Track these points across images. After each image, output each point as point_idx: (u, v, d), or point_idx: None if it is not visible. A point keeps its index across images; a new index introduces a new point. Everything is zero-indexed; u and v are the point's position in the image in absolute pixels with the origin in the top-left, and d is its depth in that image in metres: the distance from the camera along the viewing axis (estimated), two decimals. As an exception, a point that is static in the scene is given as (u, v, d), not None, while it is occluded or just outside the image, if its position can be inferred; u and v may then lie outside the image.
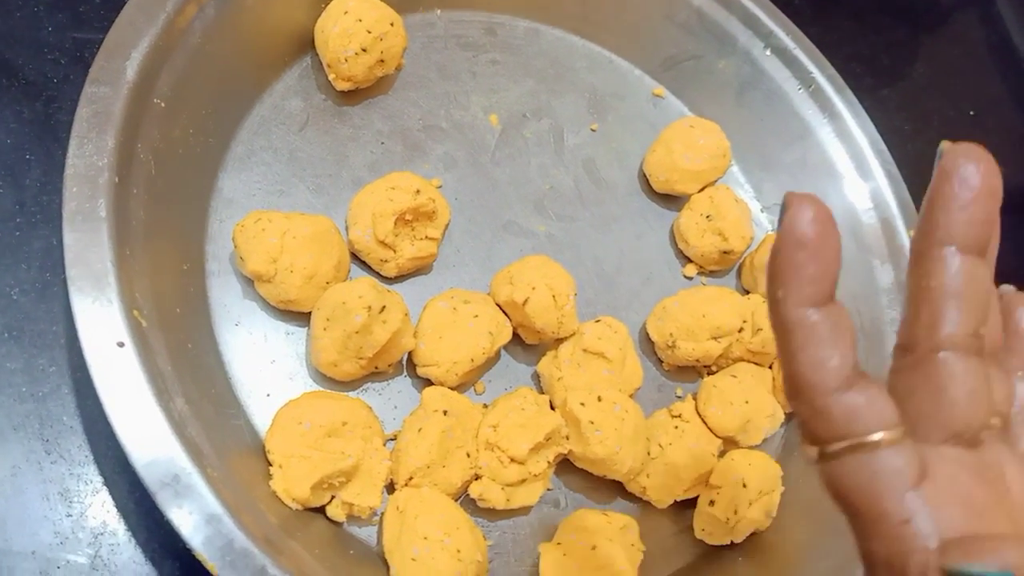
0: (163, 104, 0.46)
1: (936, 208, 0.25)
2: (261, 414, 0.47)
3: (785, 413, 0.57)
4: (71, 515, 0.44)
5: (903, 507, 0.25)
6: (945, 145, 0.25)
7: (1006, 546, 0.23)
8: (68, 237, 0.40)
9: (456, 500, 0.48)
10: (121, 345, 0.39)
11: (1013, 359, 0.30)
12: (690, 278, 0.62)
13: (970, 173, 0.25)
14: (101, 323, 0.39)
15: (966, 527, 0.24)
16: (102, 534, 0.43)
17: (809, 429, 0.26)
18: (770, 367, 0.58)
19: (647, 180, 0.63)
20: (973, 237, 0.25)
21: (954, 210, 0.25)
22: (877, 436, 0.25)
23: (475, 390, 0.53)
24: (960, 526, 0.24)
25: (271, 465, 0.44)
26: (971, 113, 0.82)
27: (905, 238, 0.61)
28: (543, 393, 0.53)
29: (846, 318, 0.26)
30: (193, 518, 0.38)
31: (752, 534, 0.53)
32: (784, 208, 0.25)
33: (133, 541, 0.44)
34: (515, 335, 0.54)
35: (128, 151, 0.43)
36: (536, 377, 0.55)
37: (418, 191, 0.51)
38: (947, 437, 0.26)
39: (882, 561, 0.25)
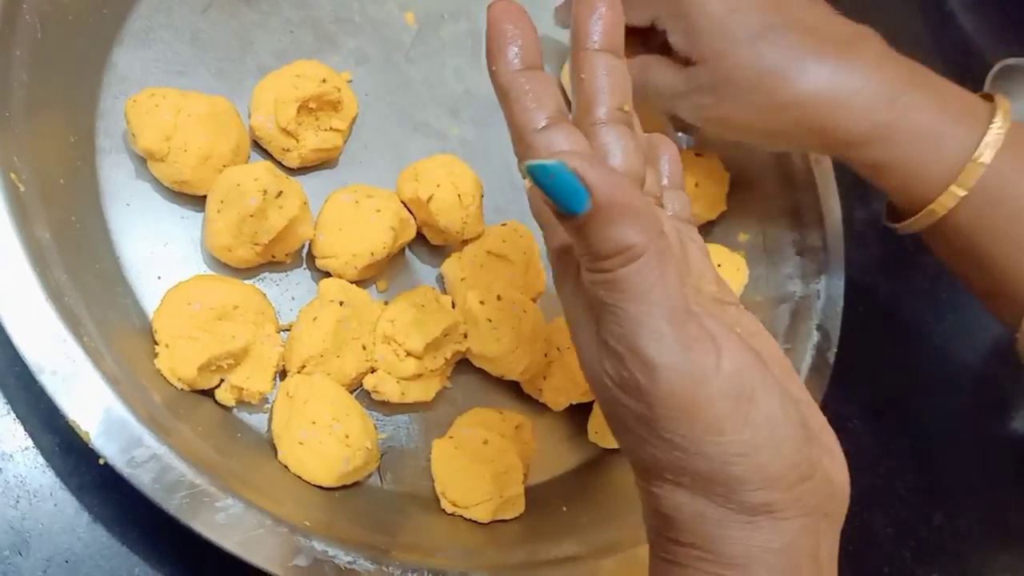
0: (51, -34, 0.44)
1: (579, 24, 0.33)
2: (150, 296, 0.46)
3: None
4: (-54, 389, 0.42)
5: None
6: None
7: (568, 153, 0.29)
8: (-59, 93, 0.39)
9: (351, 392, 0.48)
10: (-5, 207, 0.38)
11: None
12: (602, 192, 0.62)
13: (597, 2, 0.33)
14: (-27, 182, 0.38)
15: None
16: (-22, 407, 0.42)
17: (521, 159, 0.32)
18: (673, 280, 0.58)
19: (564, 92, 0.63)
20: (607, 40, 0.33)
21: (591, 22, 0.33)
22: None
23: (377, 288, 0.53)
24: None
25: (157, 345, 0.43)
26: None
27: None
28: (445, 294, 0.53)
29: (549, 80, 0.32)
30: (68, 385, 0.37)
31: (644, 438, 0.54)
32: (488, 15, 0.33)
33: (12, 414, 0.43)
34: (420, 236, 0.54)
35: (11, 10, 0.41)
36: (440, 278, 0.54)
37: (324, 80, 0.50)
38: None
39: None
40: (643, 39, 0.52)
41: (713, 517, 0.30)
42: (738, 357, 0.29)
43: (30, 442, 0.42)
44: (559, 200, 0.27)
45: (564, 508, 0.51)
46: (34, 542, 0.41)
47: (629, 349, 0.29)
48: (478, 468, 0.48)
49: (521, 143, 0.32)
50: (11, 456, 0.42)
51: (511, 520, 0.49)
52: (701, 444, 0.29)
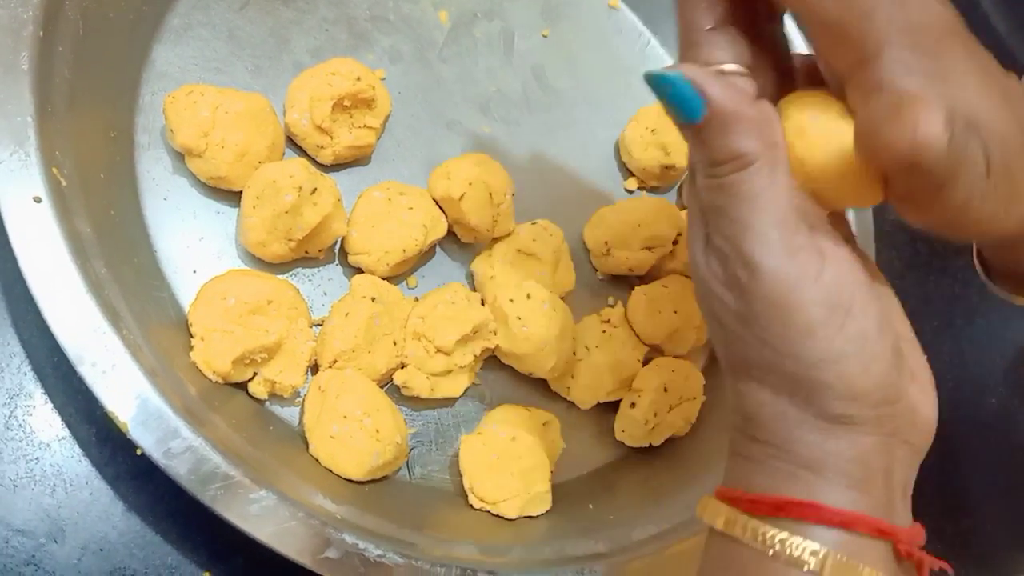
0: (94, -37, 0.45)
1: None
2: (186, 289, 0.46)
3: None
4: (-15, 376, 0.43)
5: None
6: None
7: (687, 66, 0.30)
8: (-12, 88, 0.39)
9: (381, 387, 0.49)
10: (38, 200, 0.38)
11: None
12: (631, 192, 0.62)
13: None
14: (18, 176, 0.38)
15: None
16: (18, 395, 0.43)
17: (684, 59, 0.33)
18: (702, 281, 0.58)
19: (594, 90, 0.63)
20: None
21: None
22: (730, 67, 0.32)
23: (407, 284, 0.53)
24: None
25: (192, 337, 0.44)
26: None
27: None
28: (475, 291, 0.53)
29: None
30: (106, 376, 0.37)
31: (670, 439, 0.54)
32: None
33: (49, 404, 0.43)
34: (451, 233, 0.54)
35: (55, 6, 0.42)
36: (470, 276, 0.55)
37: (359, 78, 0.50)
38: None
39: None
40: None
41: (793, 418, 0.31)
42: (841, 271, 0.30)
43: (67, 432, 0.43)
44: (677, 110, 0.29)
45: (590, 506, 0.51)
46: (69, 530, 0.42)
47: (735, 249, 0.30)
48: (506, 464, 0.48)
49: (684, 41, 0.33)
50: (48, 445, 0.43)
51: (538, 517, 0.49)
52: (792, 345, 0.30)
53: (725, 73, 0.31)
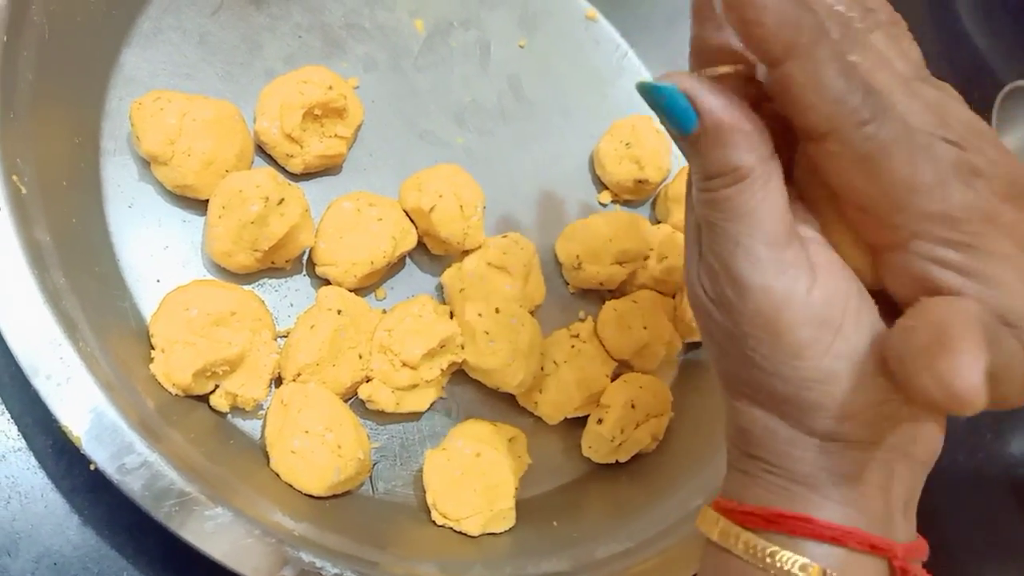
0: (61, -33, 0.44)
1: None
2: (149, 299, 0.46)
3: (683, 343, 0.58)
4: (-60, 386, 0.43)
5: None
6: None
7: (681, 76, 0.29)
8: (-53, 93, 0.39)
9: (346, 401, 0.48)
10: (-4, 209, 0.38)
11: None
12: (604, 205, 0.62)
13: None
14: (-25, 184, 0.38)
15: None
16: (-28, 406, 0.42)
17: (694, 36, 0.31)
18: (673, 296, 0.58)
19: (570, 101, 0.63)
20: None
21: None
22: (725, 69, 0.30)
23: (376, 296, 0.53)
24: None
25: (153, 349, 0.43)
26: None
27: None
28: (445, 303, 0.53)
29: None
30: (61, 389, 0.37)
31: (637, 456, 0.54)
32: None
33: (6, 414, 0.42)
34: (422, 245, 0.53)
35: (20, 10, 0.41)
36: (440, 288, 0.54)
37: (331, 87, 0.50)
38: None
39: None
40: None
41: (784, 436, 0.30)
42: (833, 287, 0.29)
43: (23, 443, 0.42)
44: (670, 120, 0.28)
45: (555, 523, 0.51)
46: (23, 543, 0.41)
47: (724, 266, 0.29)
48: (470, 480, 0.48)
49: (696, 18, 0.31)
50: (3, 457, 0.42)
51: (501, 534, 0.49)
52: (779, 366, 0.29)
53: (721, 76, 0.30)
